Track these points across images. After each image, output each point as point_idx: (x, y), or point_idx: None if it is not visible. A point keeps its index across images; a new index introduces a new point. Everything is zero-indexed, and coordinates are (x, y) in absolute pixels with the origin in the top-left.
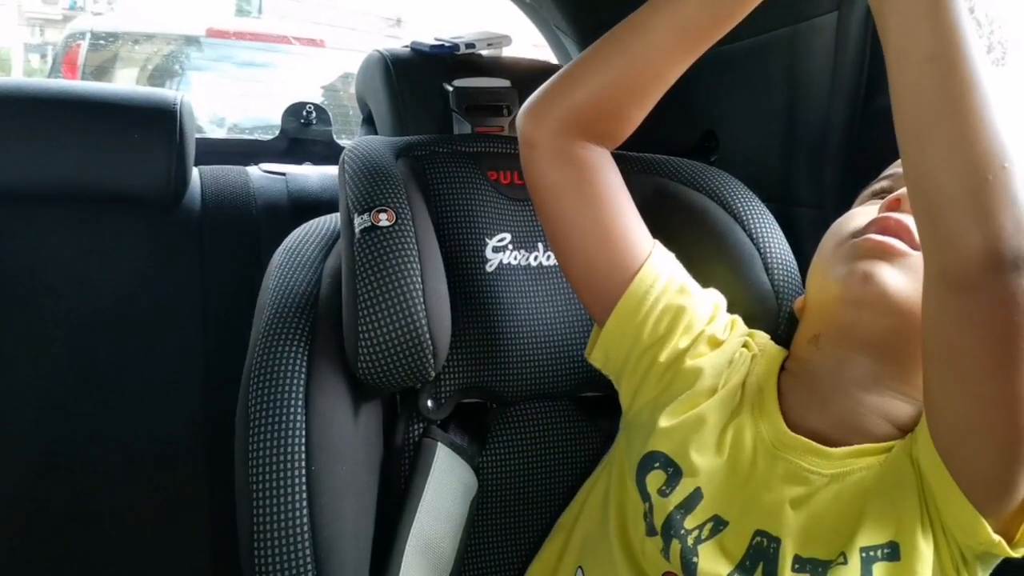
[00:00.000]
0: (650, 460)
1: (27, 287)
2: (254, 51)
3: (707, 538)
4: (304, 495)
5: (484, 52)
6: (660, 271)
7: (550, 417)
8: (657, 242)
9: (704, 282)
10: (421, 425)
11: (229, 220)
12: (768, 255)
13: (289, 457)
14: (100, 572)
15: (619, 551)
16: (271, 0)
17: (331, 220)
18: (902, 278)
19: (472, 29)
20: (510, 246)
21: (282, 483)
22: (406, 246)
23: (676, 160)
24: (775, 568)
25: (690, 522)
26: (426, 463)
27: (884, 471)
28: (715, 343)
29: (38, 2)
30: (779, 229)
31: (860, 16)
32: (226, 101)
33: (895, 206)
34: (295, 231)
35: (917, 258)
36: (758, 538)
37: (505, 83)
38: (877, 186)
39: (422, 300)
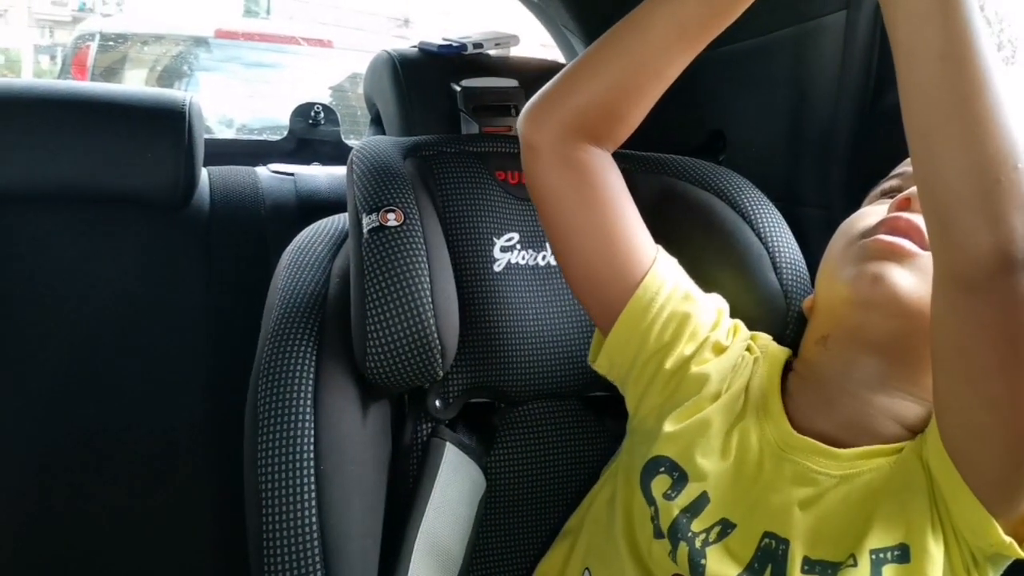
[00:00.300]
0: (655, 465)
1: (36, 287)
2: (262, 52)
3: (715, 541)
4: (313, 495)
5: (492, 52)
6: (665, 278)
7: (558, 417)
8: (660, 247)
9: (712, 282)
10: (429, 425)
11: (237, 221)
12: (777, 254)
13: (298, 457)
14: (102, 572)
15: (626, 553)
16: (279, 1)
17: (339, 220)
18: (912, 279)
19: (480, 29)
20: (518, 246)
21: (291, 483)
22: (414, 246)
23: (684, 159)
24: (784, 570)
25: (697, 525)
26: (434, 463)
27: (894, 473)
28: (719, 349)
29: (48, 3)
30: (788, 228)
31: (868, 14)
32: (234, 102)
33: (905, 205)
34: (303, 231)
35: (927, 258)
36: (766, 540)
37: (513, 83)
38: (886, 185)
39: (430, 300)
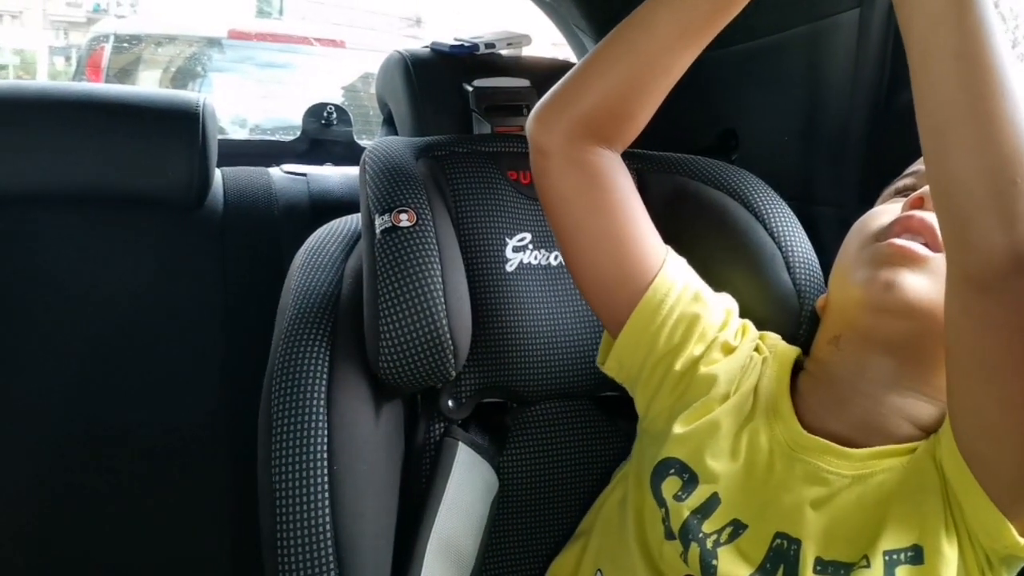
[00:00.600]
0: (665, 467)
1: (50, 287)
2: (275, 52)
3: (726, 542)
4: (326, 494)
5: (504, 52)
6: (675, 279)
7: (570, 417)
8: (670, 248)
9: (725, 281)
10: (442, 425)
11: (251, 221)
12: (790, 254)
13: (311, 457)
14: (119, 570)
15: (638, 555)
16: (292, 1)
17: (352, 221)
18: (924, 283)
19: (492, 29)
20: (530, 246)
21: (304, 483)
22: (426, 246)
23: (696, 158)
24: (796, 570)
25: (708, 526)
26: (447, 462)
27: (907, 474)
28: (728, 349)
29: (63, 5)
30: (801, 228)
31: (882, 12)
32: (248, 102)
33: (918, 204)
34: (316, 232)
35: (939, 260)
36: (778, 540)
37: (525, 83)
38: (900, 183)
39: (443, 300)
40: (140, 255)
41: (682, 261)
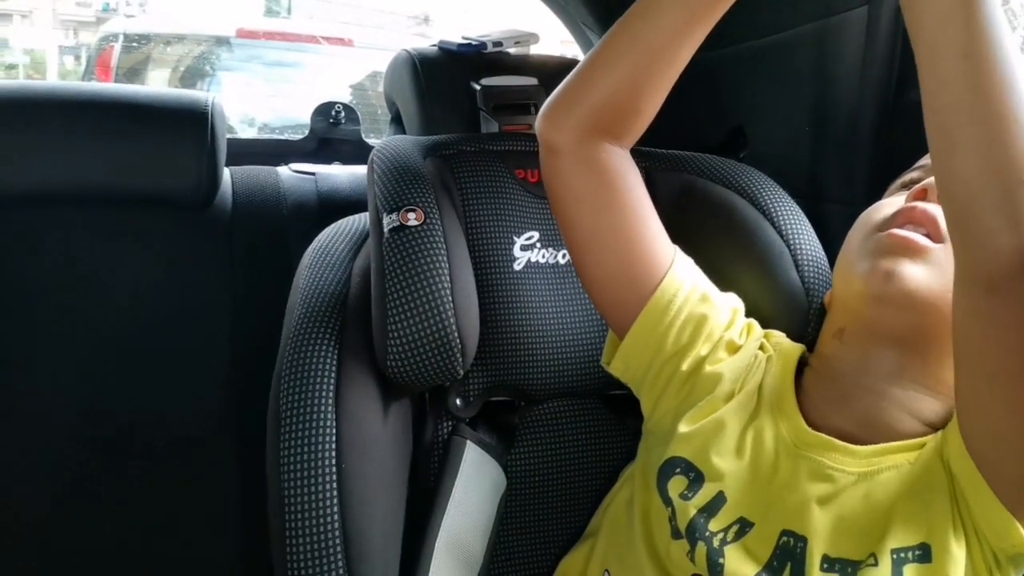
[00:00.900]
0: (671, 466)
1: (59, 287)
2: (283, 51)
3: (733, 540)
4: (335, 493)
5: (512, 50)
6: (683, 280)
7: (578, 415)
8: (678, 248)
9: (733, 280)
10: (450, 423)
11: (259, 220)
12: (798, 252)
13: (320, 456)
14: (127, 567)
15: (645, 555)
16: (300, 0)
17: (360, 220)
18: (925, 274)
19: (499, 27)
20: (538, 244)
21: (313, 481)
22: (434, 245)
23: (704, 156)
24: (803, 568)
25: (715, 525)
26: (455, 461)
27: (914, 472)
28: (733, 348)
29: (72, 5)
30: (809, 225)
31: (890, 10)
32: (256, 101)
33: (921, 196)
34: (324, 231)
35: (940, 251)
36: (784, 538)
37: (533, 81)
38: (907, 177)
39: (450, 299)
40: (149, 254)
41: (690, 261)
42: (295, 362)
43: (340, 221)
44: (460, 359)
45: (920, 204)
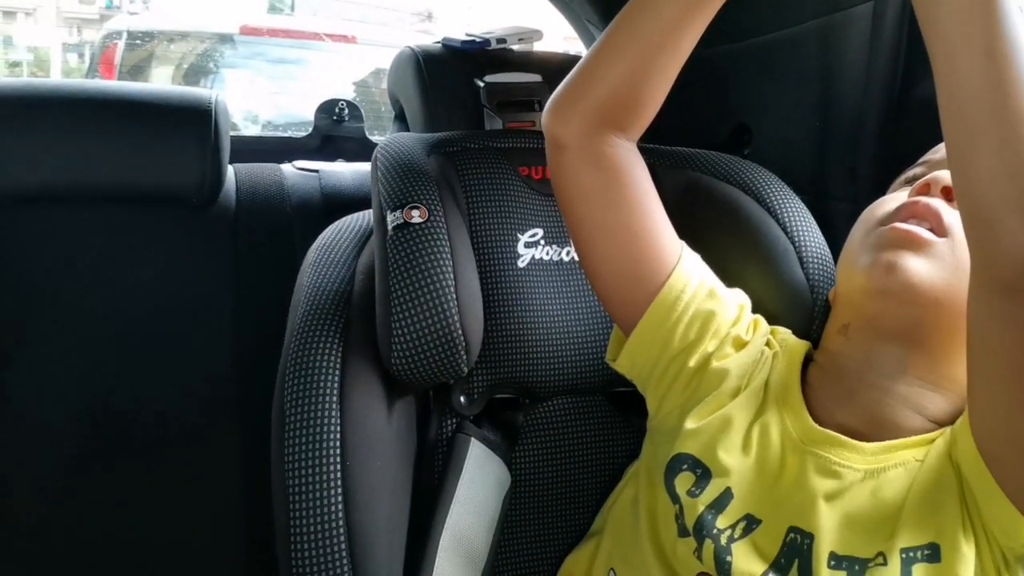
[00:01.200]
0: (678, 462)
1: (63, 284)
2: (287, 48)
3: (740, 537)
4: (339, 491)
5: (515, 47)
6: (690, 275)
7: (582, 412)
8: (684, 244)
9: (738, 277)
10: (454, 421)
11: (263, 218)
12: (803, 249)
13: (324, 453)
14: (132, 566)
15: (651, 553)
16: None
17: (364, 217)
18: (928, 267)
19: (503, 24)
20: (542, 241)
21: (317, 479)
22: (438, 243)
23: (708, 153)
24: (810, 565)
25: (722, 521)
26: (459, 458)
27: (922, 471)
28: (740, 344)
29: (75, 2)
30: (814, 222)
31: (896, 6)
32: (260, 98)
33: (924, 191)
34: (328, 228)
35: (944, 245)
36: (792, 535)
37: (536, 78)
38: (911, 172)
39: (454, 296)
40: (152, 252)
41: (696, 257)
42: (299, 360)
43: (344, 218)
44: (464, 356)
45: (923, 198)
